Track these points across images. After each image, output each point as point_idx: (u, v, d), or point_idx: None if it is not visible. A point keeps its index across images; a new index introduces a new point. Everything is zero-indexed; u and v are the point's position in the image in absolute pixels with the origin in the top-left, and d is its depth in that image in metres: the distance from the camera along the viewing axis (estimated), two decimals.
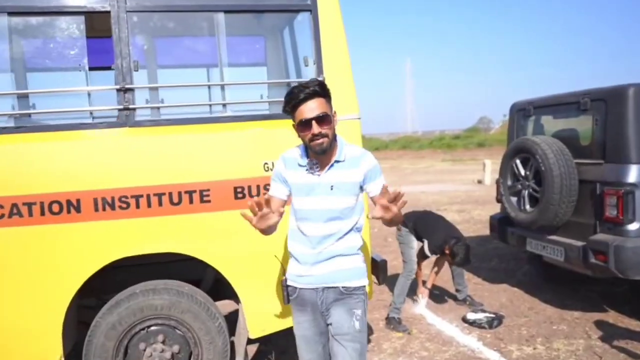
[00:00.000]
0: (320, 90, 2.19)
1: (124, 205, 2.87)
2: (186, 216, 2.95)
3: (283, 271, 2.51)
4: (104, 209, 2.85)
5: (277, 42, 4.38)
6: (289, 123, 3.15)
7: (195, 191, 2.96)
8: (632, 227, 4.00)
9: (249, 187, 3.02)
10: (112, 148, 2.91)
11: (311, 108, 2.16)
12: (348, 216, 2.31)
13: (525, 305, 5.03)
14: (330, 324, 2.33)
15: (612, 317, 4.60)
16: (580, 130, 4.78)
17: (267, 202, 2.11)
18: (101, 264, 2.88)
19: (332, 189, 2.25)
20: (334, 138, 2.26)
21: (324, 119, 2.17)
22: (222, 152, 3.03)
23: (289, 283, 2.42)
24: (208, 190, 2.97)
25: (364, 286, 2.38)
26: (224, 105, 3.13)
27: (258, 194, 3.02)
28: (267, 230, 2.24)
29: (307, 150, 2.29)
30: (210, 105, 3.61)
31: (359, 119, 3.18)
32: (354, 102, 3.18)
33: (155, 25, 3.61)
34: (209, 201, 2.97)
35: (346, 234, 2.32)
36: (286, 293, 2.42)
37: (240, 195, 3.01)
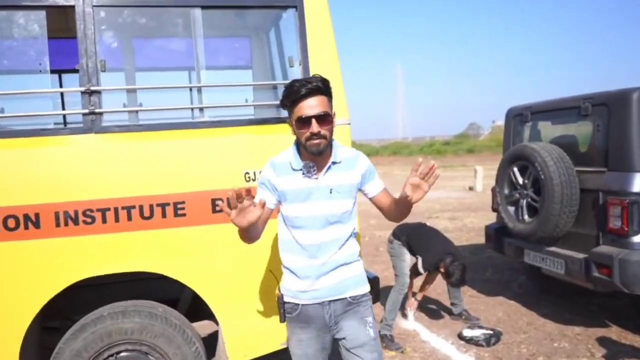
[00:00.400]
0: (323, 87, 2.05)
1: (89, 220, 2.59)
2: (158, 232, 2.68)
3: (277, 286, 2.29)
4: (66, 224, 2.57)
5: (263, 44, 4.14)
6: (272, 129, 2.93)
7: (168, 204, 2.68)
8: (638, 239, 3.79)
9: (228, 200, 2.74)
10: (76, 156, 2.63)
11: (312, 105, 2.02)
12: (347, 220, 2.19)
13: (523, 320, 4.79)
14: (344, 338, 2.19)
15: (615, 332, 4.37)
16: (580, 136, 4.57)
17: (248, 192, 1.88)
18: (63, 285, 2.60)
19: (331, 192, 2.13)
20: (331, 139, 2.12)
21: (325, 119, 2.03)
22: (198, 160, 2.76)
23: (287, 299, 2.20)
24: (183, 202, 2.70)
25: (369, 292, 2.28)
26: (201, 109, 2.86)
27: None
28: (250, 233, 2.03)
29: (300, 151, 2.14)
30: (192, 110, 3.35)
31: (349, 124, 2.94)
32: (344, 107, 2.93)
33: (132, 25, 3.35)
34: (183, 215, 2.70)
35: (347, 240, 2.20)
36: (282, 311, 2.21)
37: (218, 208, 2.74)
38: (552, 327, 4.58)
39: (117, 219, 2.62)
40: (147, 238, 2.67)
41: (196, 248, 2.74)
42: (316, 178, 2.12)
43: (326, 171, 2.13)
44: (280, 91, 3.56)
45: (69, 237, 2.58)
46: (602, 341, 4.20)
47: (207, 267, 2.76)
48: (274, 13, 3.66)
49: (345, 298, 2.19)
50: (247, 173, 2.78)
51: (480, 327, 4.48)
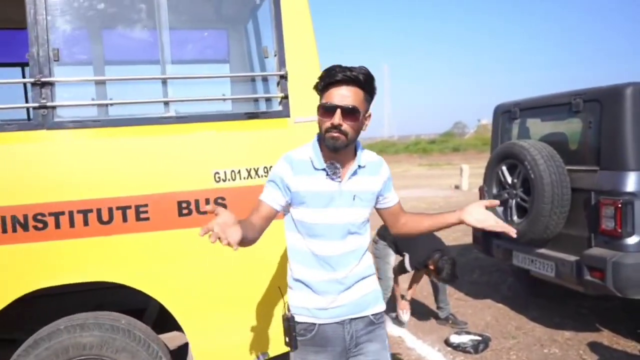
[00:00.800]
0: (363, 81, 1.80)
1: (40, 225, 2.34)
2: (118, 237, 2.44)
3: (282, 303, 2.05)
4: (14, 230, 2.31)
5: (241, 36, 3.91)
6: (245, 125, 2.71)
7: (129, 207, 2.45)
8: (632, 240, 3.62)
9: (197, 202, 2.52)
10: (25, 155, 2.37)
11: (343, 95, 1.79)
12: (365, 231, 2.00)
13: (512, 324, 4.63)
14: None
15: (606, 337, 4.22)
16: (570, 134, 4.41)
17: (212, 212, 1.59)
18: (12, 298, 2.35)
19: (354, 199, 1.90)
20: (355, 141, 1.88)
21: (352, 113, 1.79)
22: (163, 159, 2.53)
23: (301, 319, 1.93)
24: (146, 205, 2.46)
25: None
26: (166, 103, 2.62)
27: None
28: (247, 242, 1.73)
29: (322, 148, 1.89)
30: (164, 105, 3.11)
31: None
32: None
33: (94, 13, 3.09)
34: (147, 219, 2.47)
35: (365, 251, 2.01)
36: (294, 334, 1.92)
37: (185, 211, 2.51)
38: (542, 331, 4.41)
39: (72, 224, 2.38)
40: (105, 245, 2.43)
41: (160, 255, 2.51)
42: (339, 181, 1.89)
43: (351, 175, 1.90)
44: (257, 84, 3.37)
45: (17, 245, 2.32)
46: (594, 346, 4.05)
47: (172, 275, 2.53)
48: (250, 2, 3.44)
49: (367, 316, 1.98)
50: (217, 173, 2.55)
51: (468, 333, 4.30)
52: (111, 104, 2.71)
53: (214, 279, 2.59)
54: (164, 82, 2.65)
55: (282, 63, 2.70)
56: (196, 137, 2.57)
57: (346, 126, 1.78)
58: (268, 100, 2.91)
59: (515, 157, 4.29)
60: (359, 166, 1.91)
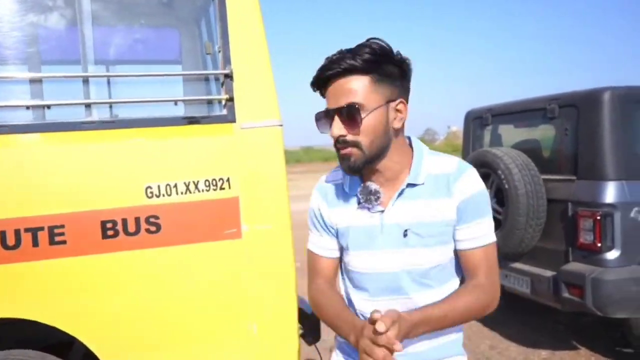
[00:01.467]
0: (363, 64, 1.25)
1: None
2: (27, 265, 2.04)
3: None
4: None
5: (194, 35, 3.56)
6: (184, 131, 2.34)
7: (41, 228, 2.05)
8: (611, 255, 3.39)
9: (124, 222, 2.14)
10: None
11: (337, 92, 1.29)
12: (441, 282, 1.37)
13: (485, 343, 4.36)
14: None
15: (584, 356, 3.99)
16: (545, 141, 4.19)
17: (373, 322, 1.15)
18: None
19: (405, 235, 1.33)
20: (386, 147, 1.34)
21: (350, 115, 1.27)
22: (84, 171, 2.14)
23: None
24: (62, 226, 2.07)
25: None
26: (88, 105, 2.24)
27: (138, 231, 2.15)
28: None
29: None
30: (109, 108, 2.70)
31: (281, 125, 2.38)
32: (273, 105, 2.37)
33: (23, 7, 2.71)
34: (63, 242, 2.07)
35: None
36: None
37: (110, 232, 2.13)
38: (517, 351, 4.16)
39: None
40: (10, 274, 2.03)
41: (80, 284, 2.12)
42: (381, 210, 1.35)
43: (397, 198, 1.34)
44: (210, 85, 3.01)
45: None
46: None
47: (94, 309, 2.14)
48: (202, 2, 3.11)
49: None
50: (149, 187, 2.18)
51: None
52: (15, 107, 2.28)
53: (148, 311, 2.21)
54: (86, 81, 2.26)
55: (227, 60, 2.35)
56: (124, 145, 2.20)
57: (351, 136, 1.28)
58: (211, 103, 2.55)
59: (488, 166, 4.03)
60: (408, 184, 1.34)
